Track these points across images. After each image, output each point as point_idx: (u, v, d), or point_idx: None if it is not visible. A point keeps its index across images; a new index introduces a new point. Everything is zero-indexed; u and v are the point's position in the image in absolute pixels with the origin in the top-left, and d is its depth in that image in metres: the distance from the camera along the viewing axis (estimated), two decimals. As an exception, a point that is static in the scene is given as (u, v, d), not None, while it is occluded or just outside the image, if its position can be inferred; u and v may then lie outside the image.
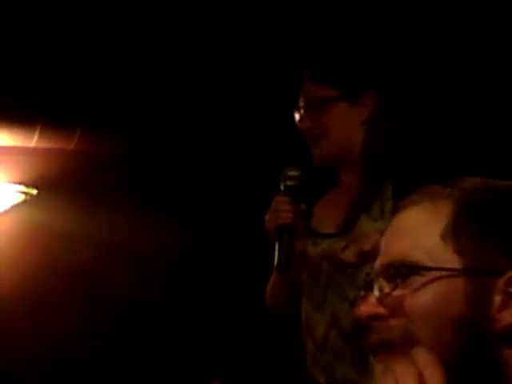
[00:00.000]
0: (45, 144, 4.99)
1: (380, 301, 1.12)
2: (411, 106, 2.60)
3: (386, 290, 1.12)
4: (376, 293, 1.12)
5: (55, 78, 4.09)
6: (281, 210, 2.35)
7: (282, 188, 2.38)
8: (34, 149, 5.04)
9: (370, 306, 1.12)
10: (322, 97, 2.39)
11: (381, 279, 1.13)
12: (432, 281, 1.09)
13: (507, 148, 3.56)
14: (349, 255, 2.21)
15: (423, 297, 1.09)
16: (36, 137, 4.87)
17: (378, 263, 1.16)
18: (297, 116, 2.46)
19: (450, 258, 1.10)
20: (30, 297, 5.23)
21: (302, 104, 2.44)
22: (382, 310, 1.11)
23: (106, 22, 3.54)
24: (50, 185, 5.17)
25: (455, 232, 1.11)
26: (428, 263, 1.10)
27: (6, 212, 5.24)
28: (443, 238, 1.12)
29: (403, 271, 1.11)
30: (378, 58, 2.71)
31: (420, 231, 1.13)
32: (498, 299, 1.09)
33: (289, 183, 2.37)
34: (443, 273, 1.09)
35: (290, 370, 2.54)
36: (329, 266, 2.36)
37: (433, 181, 1.21)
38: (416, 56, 3.45)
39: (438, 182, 1.19)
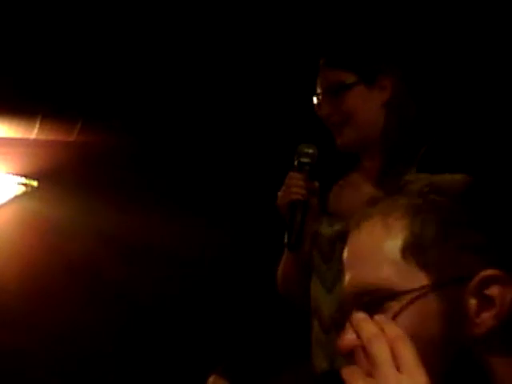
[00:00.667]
0: (45, 136, 4.98)
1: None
2: (432, 90, 2.56)
3: None
4: (352, 327, 1.07)
5: (56, 69, 4.07)
6: (293, 185, 2.34)
7: (296, 164, 2.36)
8: (35, 140, 5.03)
9: (350, 339, 1.08)
10: (340, 82, 2.36)
11: (354, 312, 1.08)
12: (407, 305, 1.06)
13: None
14: None
15: (402, 324, 1.05)
16: (37, 128, 4.86)
17: (347, 292, 1.12)
18: (315, 102, 2.43)
19: (416, 276, 1.07)
20: (30, 288, 5.22)
21: (319, 90, 2.41)
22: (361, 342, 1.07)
23: (108, 14, 3.53)
24: (51, 176, 5.16)
25: (413, 246, 1.08)
26: (396, 286, 1.06)
27: (6, 204, 5.23)
28: (403, 255, 1.08)
29: (374, 301, 1.07)
30: (394, 39, 2.66)
31: (379, 254, 1.09)
32: (473, 303, 1.06)
33: (303, 160, 2.36)
34: (414, 294, 1.06)
35: (291, 362, 2.53)
36: (342, 248, 2.34)
37: (455, 170, 1.18)
38: (435, 38, 3.39)
39: (460, 172, 1.16)
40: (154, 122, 4.79)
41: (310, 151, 2.36)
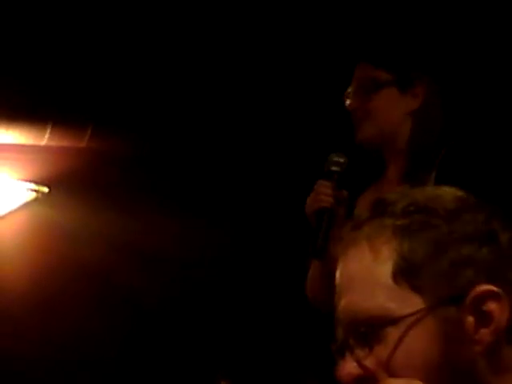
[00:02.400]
0: (56, 142, 4.99)
1: (359, 363, 1.06)
2: (460, 100, 2.57)
3: (361, 353, 1.06)
4: (352, 356, 1.07)
5: (66, 76, 4.09)
6: (322, 193, 2.36)
7: (326, 172, 2.39)
8: (46, 147, 5.04)
9: (351, 368, 1.07)
10: (376, 79, 2.38)
11: (351, 341, 1.07)
12: (406, 331, 1.04)
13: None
14: None
15: (403, 353, 1.04)
16: (47, 135, 4.87)
17: (341, 318, 1.10)
18: (347, 97, 2.45)
19: (411, 300, 1.05)
20: (41, 294, 5.23)
21: (353, 85, 2.44)
22: (363, 372, 1.06)
23: (118, 21, 3.54)
24: (62, 183, 5.17)
25: (404, 270, 1.06)
26: (392, 312, 1.04)
27: (17, 210, 5.24)
28: (395, 280, 1.06)
29: (371, 330, 1.05)
30: (434, 50, 2.68)
31: (370, 281, 1.07)
32: (470, 320, 1.05)
33: (333, 168, 2.38)
34: (411, 318, 1.04)
35: (298, 371, 2.53)
36: None
37: (474, 172, 1.15)
38: (468, 51, 3.42)
39: (477, 175, 1.13)
40: (164, 128, 4.80)
41: (341, 160, 2.39)
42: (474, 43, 3.44)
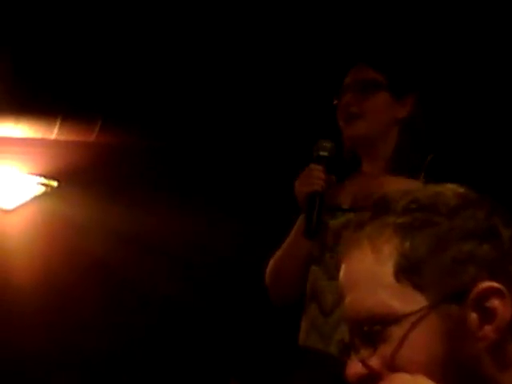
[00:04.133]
0: (65, 136, 5.01)
1: (364, 363, 1.07)
2: (445, 111, 2.67)
3: (365, 353, 1.07)
4: (357, 356, 1.07)
5: (76, 70, 4.09)
6: (314, 176, 2.41)
7: (315, 156, 2.44)
8: (55, 141, 5.06)
9: (356, 368, 1.07)
10: (373, 81, 2.46)
11: (356, 341, 1.08)
12: (409, 329, 1.04)
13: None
14: None
15: (407, 351, 1.04)
16: (57, 129, 4.88)
17: (347, 317, 1.10)
18: (343, 91, 2.50)
19: (413, 298, 1.05)
20: (49, 287, 5.25)
21: (348, 81, 2.51)
22: (369, 371, 1.07)
23: (128, 17, 3.55)
24: (71, 177, 5.18)
25: (406, 268, 1.06)
26: (395, 311, 1.05)
27: (26, 203, 5.26)
28: (397, 279, 1.06)
29: (375, 329, 1.05)
30: (427, 65, 2.80)
31: (373, 280, 1.07)
32: (473, 317, 1.05)
33: (322, 153, 2.44)
34: (415, 316, 1.04)
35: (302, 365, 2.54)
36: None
37: (461, 177, 1.16)
38: (453, 67, 3.59)
39: (463, 178, 1.14)
40: (173, 122, 4.80)
41: (329, 145, 2.45)
42: (458, 60, 3.58)
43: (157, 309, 5.32)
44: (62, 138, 5.02)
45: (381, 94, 2.45)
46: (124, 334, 5.26)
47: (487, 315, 1.05)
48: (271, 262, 2.55)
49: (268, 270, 2.56)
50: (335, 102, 2.52)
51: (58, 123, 4.79)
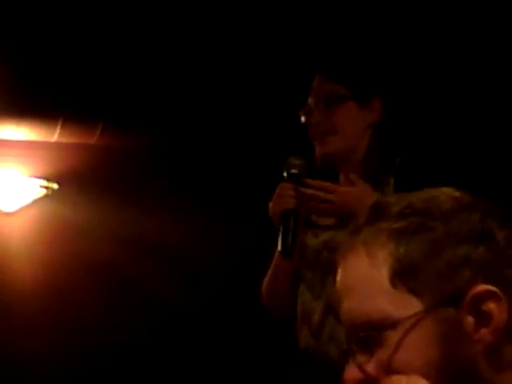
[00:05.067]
0: (66, 139, 5.02)
1: (361, 368, 1.07)
2: (410, 114, 2.68)
3: (362, 358, 1.07)
4: (354, 362, 1.08)
5: (77, 73, 4.10)
6: (285, 195, 2.41)
7: (286, 176, 2.43)
8: (56, 143, 5.07)
9: (353, 373, 1.08)
10: (335, 94, 2.44)
11: (354, 346, 1.08)
12: (405, 333, 1.04)
13: (497, 149, 3.73)
14: None
15: (404, 355, 1.04)
16: (58, 132, 4.89)
17: (344, 323, 1.10)
18: (305, 111, 2.49)
19: (409, 302, 1.05)
20: (51, 290, 5.25)
21: (312, 100, 2.49)
22: (365, 377, 1.07)
23: (129, 20, 3.55)
24: (72, 179, 5.19)
25: (401, 273, 1.06)
26: (391, 316, 1.05)
27: (27, 206, 5.27)
28: (393, 284, 1.06)
29: (371, 334, 1.06)
30: (389, 66, 2.86)
31: (368, 286, 1.07)
32: (469, 320, 1.05)
33: (293, 171, 2.42)
34: (411, 321, 1.04)
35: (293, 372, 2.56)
36: (328, 255, 2.38)
37: (430, 178, 1.15)
38: (416, 66, 3.63)
39: (433, 179, 1.14)
40: (174, 126, 4.81)
41: (299, 162, 2.43)
42: (422, 62, 3.63)
43: (158, 310, 5.32)
44: (63, 140, 5.03)
45: (347, 105, 2.43)
46: (125, 335, 5.26)
47: (483, 318, 1.05)
48: (263, 283, 2.57)
49: (262, 289, 2.58)
50: (303, 119, 2.50)
51: (59, 126, 4.80)
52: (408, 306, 1.05)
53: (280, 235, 2.39)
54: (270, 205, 2.44)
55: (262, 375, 4.79)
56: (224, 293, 5.29)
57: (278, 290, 2.54)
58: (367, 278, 1.08)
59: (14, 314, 5.22)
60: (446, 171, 2.24)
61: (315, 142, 2.47)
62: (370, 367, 1.07)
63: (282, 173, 2.44)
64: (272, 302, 2.57)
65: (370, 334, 1.06)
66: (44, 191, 5.24)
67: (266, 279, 2.56)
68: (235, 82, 4.19)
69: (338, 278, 1.12)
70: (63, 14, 3.51)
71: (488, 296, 1.05)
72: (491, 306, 1.05)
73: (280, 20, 3.48)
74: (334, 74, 2.47)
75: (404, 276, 1.06)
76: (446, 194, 1.11)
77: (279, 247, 2.39)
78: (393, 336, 1.05)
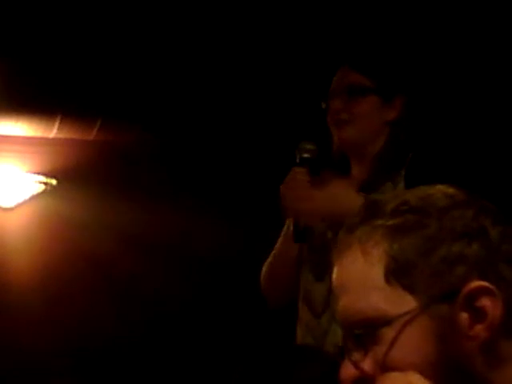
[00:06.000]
0: (65, 135, 5.02)
1: (356, 365, 1.08)
2: (427, 112, 2.69)
3: (358, 356, 1.08)
4: (350, 359, 1.09)
5: (75, 69, 4.10)
6: (298, 179, 2.40)
7: (298, 160, 2.43)
8: (54, 139, 5.07)
9: (349, 371, 1.09)
10: (361, 86, 2.45)
11: (350, 344, 1.09)
12: (400, 330, 1.05)
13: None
14: None
15: (399, 352, 1.05)
16: (56, 127, 4.89)
17: (340, 320, 1.12)
18: (330, 97, 2.50)
19: (404, 299, 1.06)
20: (49, 286, 5.26)
21: (335, 87, 2.49)
22: (361, 374, 1.08)
23: (129, 16, 3.55)
24: (70, 175, 5.20)
25: (395, 271, 1.07)
26: (387, 313, 1.05)
27: (26, 202, 5.27)
28: (387, 281, 1.07)
29: (366, 332, 1.07)
30: (414, 65, 2.86)
31: (363, 283, 1.08)
32: (464, 317, 1.05)
33: (305, 155, 2.43)
34: (405, 317, 1.05)
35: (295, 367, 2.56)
36: (332, 236, 2.40)
37: (442, 174, 1.16)
38: (435, 66, 3.65)
39: (442, 176, 1.14)
40: (173, 121, 4.81)
41: (312, 147, 2.44)
42: (441, 61, 3.66)
43: (158, 306, 5.32)
44: (62, 136, 5.03)
45: (369, 99, 2.44)
46: (125, 330, 5.27)
47: (478, 315, 1.05)
48: (264, 266, 2.57)
49: (262, 275, 2.58)
50: (323, 105, 2.52)
51: (57, 122, 4.80)
52: (403, 303, 1.06)
53: (292, 220, 2.39)
54: (282, 188, 2.44)
55: (262, 371, 4.79)
56: (225, 289, 5.29)
57: (281, 275, 2.53)
58: (362, 276, 1.08)
59: (14, 310, 5.22)
60: (456, 168, 2.25)
61: (332, 127, 2.48)
62: (366, 364, 1.08)
63: (294, 158, 2.43)
64: (273, 288, 2.57)
65: (366, 331, 1.07)
66: (42, 187, 5.25)
67: (268, 264, 2.56)
68: (234, 78, 4.19)
69: (334, 275, 1.13)
70: (62, 10, 3.51)
71: (482, 292, 1.05)
72: (486, 302, 1.05)
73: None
74: (363, 67, 2.48)
75: (398, 273, 1.06)
76: (440, 192, 1.12)
77: (292, 231, 2.40)
78: (388, 333, 1.06)
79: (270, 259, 2.56)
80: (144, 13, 3.53)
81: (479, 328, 1.05)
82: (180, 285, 5.27)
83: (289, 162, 2.42)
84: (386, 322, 1.05)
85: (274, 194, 2.44)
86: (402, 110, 2.45)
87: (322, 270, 2.43)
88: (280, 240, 2.52)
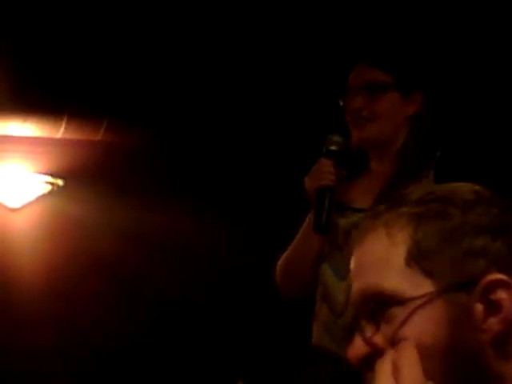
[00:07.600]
0: (71, 135, 5.02)
1: (367, 342, 1.09)
2: (451, 108, 2.68)
3: (369, 332, 1.09)
4: (360, 335, 1.09)
5: (82, 69, 4.10)
6: (325, 171, 2.41)
7: (325, 152, 2.44)
8: (61, 140, 5.07)
9: (358, 348, 1.09)
10: (380, 82, 2.45)
11: (363, 322, 1.10)
12: (413, 312, 1.06)
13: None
14: None
15: (408, 332, 1.06)
16: (63, 128, 4.90)
17: (353, 301, 1.13)
18: (349, 95, 2.49)
19: (421, 283, 1.07)
20: (56, 285, 5.26)
21: (354, 84, 2.49)
22: (371, 350, 1.08)
23: (132, 14, 3.56)
24: (77, 175, 5.20)
25: (417, 254, 1.08)
26: (402, 293, 1.07)
27: (32, 202, 5.28)
28: (408, 263, 1.08)
29: (380, 308, 1.08)
30: (433, 60, 2.86)
31: (384, 263, 1.09)
32: (479, 308, 1.06)
33: (332, 148, 2.44)
34: (420, 300, 1.06)
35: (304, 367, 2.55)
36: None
37: (470, 172, 1.18)
38: (458, 61, 3.63)
39: (472, 173, 1.16)
40: (180, 121, 4.81)
41: (339, 140, 2.45)
42: (462, 53, 3.62)
43: (163, 305, 5.33)
44: (69, 136, 5.03)
45: (390, 95, 2.44)
46: (130, 330, 5.27)
47: (493, 307, 1.06)
48: (281, 259, 2.55)
49: (278, 266, 2.56)
50: (341, 103, 2.51)
51: (64, 122, 4.80)
52: (420, 286, 1.07)
53: (315, 211, 2.39)
54: (307, 179, 2.44)
55: (270, 373, 4.80)
56: (232, 289, 5.29)
57: (299, 269, 2.52)
58: (384, 255, 1.10)
59: (17, 310, 5.23)
60: (485, 166, 2.25)
61: (352, 126, 2.48)
62: (378, 339, 1.08)
63: (322, 151, 2.44)
64: (289, 280, 2.55)
65: (379, 307, 1.08)
66: (49, 187, 5.25)
67: (286, 255, 2.54)
68: (234, 79, 4.19)
69: (354, 257, 1.14)
70: (69, 11, 3.51)
71: (499, 285, 1.06)
72: (502, 295, 1.06)
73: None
74: (381, 62, 2.47)
75: (420, 258, 1.08)
76: (467, 187, 1.14)
77: (314, 222, 2.39)
78: (402, 312, 1.07)
79: (287, 252, 2.54)
80: (150, 14, 3.54)
81: (492, 321, 1.06)
82: (187, 284, 5.27)
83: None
84: (401, 301, 1.07)
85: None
86: (422, 104, 2.45)
87: (345, 269, 2.42)
88: (300, 232, 2.51)
